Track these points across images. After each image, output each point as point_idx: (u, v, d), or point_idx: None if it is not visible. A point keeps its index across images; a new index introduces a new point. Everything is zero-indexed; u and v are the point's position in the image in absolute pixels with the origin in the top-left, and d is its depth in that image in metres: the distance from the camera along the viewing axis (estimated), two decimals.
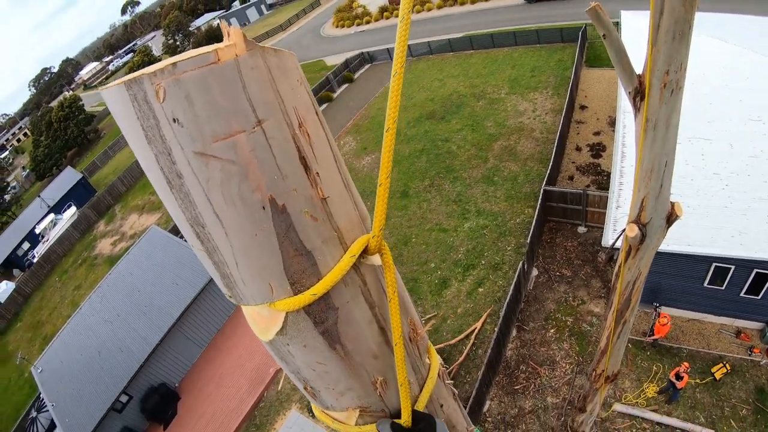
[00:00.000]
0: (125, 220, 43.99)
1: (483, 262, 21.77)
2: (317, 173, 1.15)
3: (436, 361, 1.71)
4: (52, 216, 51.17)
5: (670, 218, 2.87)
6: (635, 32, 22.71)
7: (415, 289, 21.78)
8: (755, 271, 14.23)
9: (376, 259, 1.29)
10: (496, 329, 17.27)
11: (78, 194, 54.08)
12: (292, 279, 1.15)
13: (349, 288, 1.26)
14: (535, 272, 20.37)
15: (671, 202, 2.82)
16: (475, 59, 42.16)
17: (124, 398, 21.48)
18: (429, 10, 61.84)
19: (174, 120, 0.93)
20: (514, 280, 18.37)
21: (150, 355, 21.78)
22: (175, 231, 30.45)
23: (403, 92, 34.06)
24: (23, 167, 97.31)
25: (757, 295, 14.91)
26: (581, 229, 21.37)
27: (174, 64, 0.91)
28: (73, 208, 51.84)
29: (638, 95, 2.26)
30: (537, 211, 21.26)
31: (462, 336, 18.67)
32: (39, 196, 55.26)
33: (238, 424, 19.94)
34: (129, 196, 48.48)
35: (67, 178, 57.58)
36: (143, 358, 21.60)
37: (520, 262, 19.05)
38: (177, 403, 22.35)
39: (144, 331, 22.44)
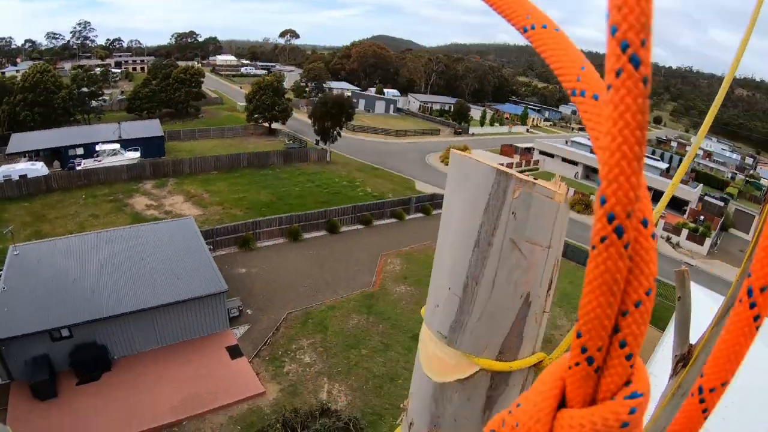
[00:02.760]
0: (171, 196, 44.96)
1: None
2: (548, 293, 1.61)
3: None
4: (117, 146, 52.65)
5: None
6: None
7: (375, 423, 21.29)
8: None
9: (523, 365, 1.71)
10: None
11: (148, 147, 55.90)
12: (501, 349, 1.51)
13: (518, 378, 1.66)
14: None
15: None
16: None
17: (65, 332, 21.27)
18: None
19: (512, 213, 1.36)
20: None
21: (114, 317, 21.77)
22: (206, 236, 30.95)
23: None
24: (122, 91, 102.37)
25: None
26: None
27: (534, 184, 1.36)
28: (138, 154, 53.25)
29: (681, 362, 2.47)
30: None
31: None
32: (119, 123, 56.96)
33: (146, 430, 19.33)
34: (187, 180, 49.68)
35: (151, 127, 59.84)
36: (106, 315, 21.58)
37: None
38: (102, 373, 21.82)
39: (123, 294, 22.48)
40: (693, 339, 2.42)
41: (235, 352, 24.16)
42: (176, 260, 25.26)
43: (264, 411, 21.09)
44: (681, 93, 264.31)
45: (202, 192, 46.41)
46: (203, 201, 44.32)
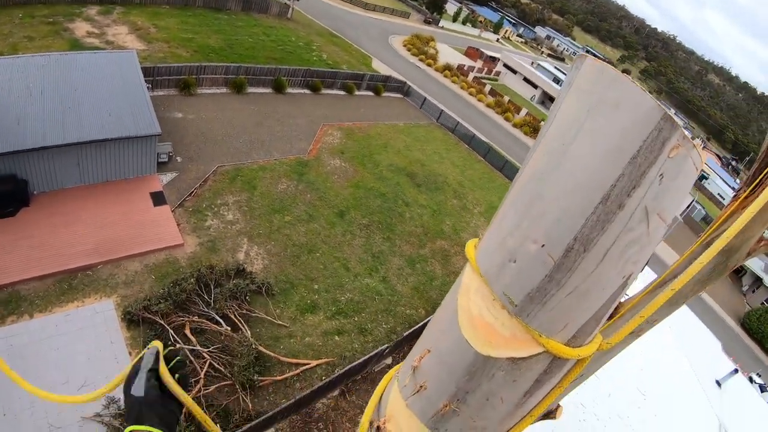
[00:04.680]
0: (116, 25, 41.32)
1: (356, 318, 21.88)
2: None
3: None
4: None
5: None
6: None
7: (287, 292, 21.57)
8: None
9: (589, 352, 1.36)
10: (324, 378, 17.33)
11: None
12: (575, 333, 1.19)
13: (572, 362, 1.32)
14: (389, 361, 20.62)
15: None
16: (480, 166, 43.65)
17: None
18: (481, 100, 64.14)
19: (661, 175, 1.00)
20: (370, 354, 18.58)
21: (38, 149, 20.24)
22: (147, 73, 29.07)
23: (409, 144, 34.36)
24: None
25: None
26: None
27: (694, 146, 1.00)
28: None
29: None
30: (429, 318, 21.71)
31: (293, 361, 18.50)
32: None
33: (53, 273, 18.39)
34: (135, 11, 45.06)
35: None
36: (31, 147, 19.89)
37: (385, 345, 19.31)
38: (20, 208, 20.64)
39: (50, 126, 20.76)
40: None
41: (158, 198, 23.22)
42: (111, 95, 23.14)
43: (180, 263, 20.80)
44: (657, 56, 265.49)
45: (149, 26, 42.88)
46: (149, 35, 41.05)
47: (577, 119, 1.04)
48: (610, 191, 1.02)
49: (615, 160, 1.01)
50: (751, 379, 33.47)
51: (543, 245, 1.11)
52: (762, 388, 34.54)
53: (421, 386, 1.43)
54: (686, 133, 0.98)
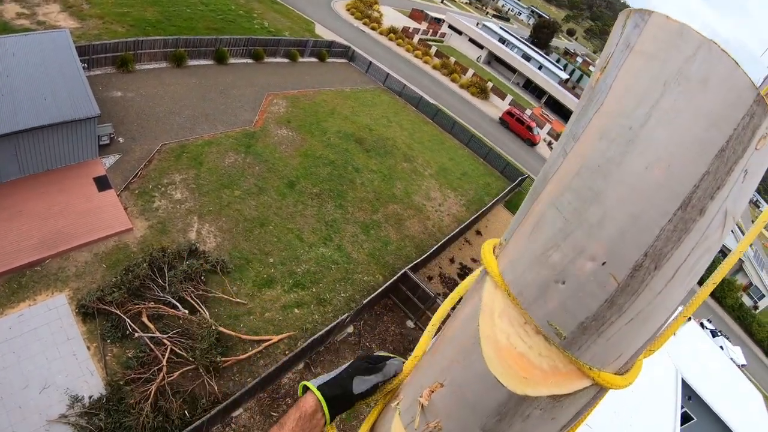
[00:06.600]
0: (46, 4, 38.55)
1: (314, 289, 21.82)
2: None
3: None
4: None
5: None
6: None
7: (242, 268, 21.33)
8: None
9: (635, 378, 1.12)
10: (288, 353, 17.40)
11: None
12: (629, 360, 1.02)
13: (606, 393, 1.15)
14: (350, 329, 20.77)
15: None
16: (428, 128, 43.61)
17: None
18: (427, 63, 63.75)
19: (745, 171, 0.83)
20: (331, 324, 18.68)
21: None
22: (81, 52, 27.78)
23: (356, 109, 34.04)
24: None
25: None
26: (410, 324, 22.22)
27: None
28: None
29: None
30: (387, 283, 21.96)
31: (255, 338, 18.43)
32: None
33: (5, 271, 17.50)
34: None
35: None
36: None
37: (345, 314, 19.45)
38: None
39: None
40: None
41: (102, 183, 22.16)
42: (45, 78, 21.63)
43: (131, 249, 20.05)
44: (601, 15, 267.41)
45: (81, 2, 40.10)
46: (82, 12, 38.65)
47: (648, 94, 0.82)
48: (692, 193, 0.83)
49: (701, 153, 0.81)
50: (702, 325, 35.15)
51: (604, 263, 0.90)
52: (713, 333, 36.33)
53: (435, 426, 1.22)
54: None
